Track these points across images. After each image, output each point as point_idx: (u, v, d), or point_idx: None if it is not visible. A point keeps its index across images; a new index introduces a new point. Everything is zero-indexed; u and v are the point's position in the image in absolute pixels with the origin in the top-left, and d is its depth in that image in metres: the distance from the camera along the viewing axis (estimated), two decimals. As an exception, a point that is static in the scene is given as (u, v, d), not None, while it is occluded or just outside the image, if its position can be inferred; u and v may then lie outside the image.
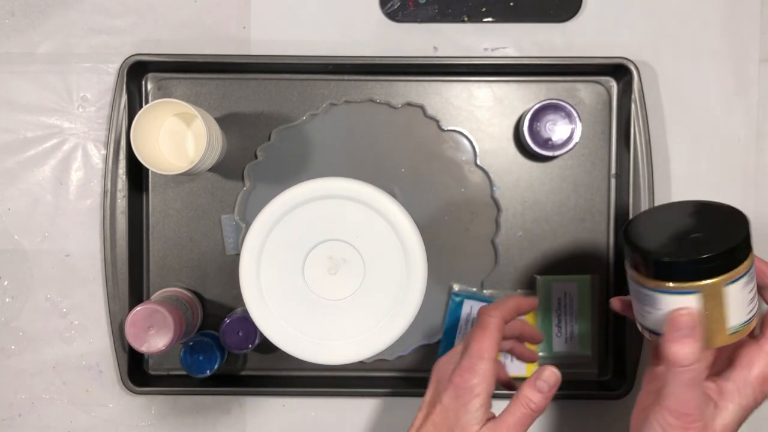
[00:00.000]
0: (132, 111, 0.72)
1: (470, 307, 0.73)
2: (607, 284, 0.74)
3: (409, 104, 0.74)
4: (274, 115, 0.74)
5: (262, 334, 0.67)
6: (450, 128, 0.74)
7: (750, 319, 0.51)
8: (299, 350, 0.60)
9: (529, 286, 0.74)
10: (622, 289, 0.73)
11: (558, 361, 0.74)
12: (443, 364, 0.58)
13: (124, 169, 0.72)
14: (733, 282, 0.49)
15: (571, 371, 0.74)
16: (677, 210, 0.57)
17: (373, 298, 0.60)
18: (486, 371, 0.54)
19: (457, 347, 0.59)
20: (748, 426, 0.53)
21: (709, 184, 0.74)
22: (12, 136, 0.74)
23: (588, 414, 0.75)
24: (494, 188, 0.74)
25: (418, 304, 0.60)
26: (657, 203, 0.72)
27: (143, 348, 0.66)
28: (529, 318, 0.74)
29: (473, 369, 0.54)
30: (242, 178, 0.74)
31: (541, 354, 0.74)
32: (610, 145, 0.74)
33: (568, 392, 0.73)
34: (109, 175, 0.72)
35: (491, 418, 0.55)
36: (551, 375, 0.54)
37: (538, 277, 0.74)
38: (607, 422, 0.76)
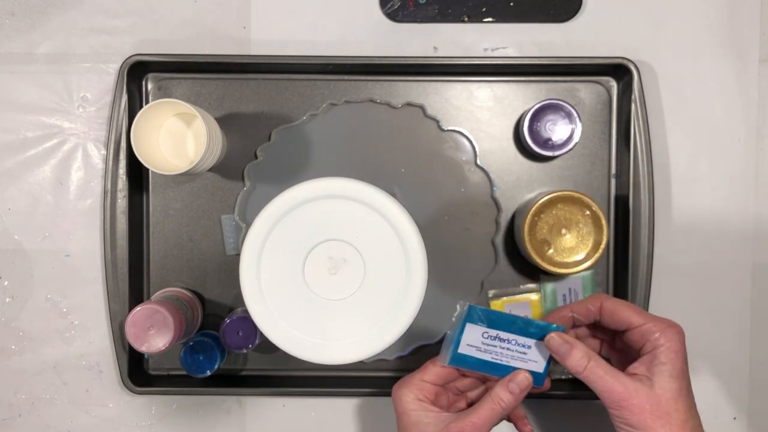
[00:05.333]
0: (132, 111, 0.72)
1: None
2: (607, 284, 0.74)
3: (409, 104, 0.74)
4: (274, 115, 0.74)
5: (262, 334, 0.67)
6: (450, 128, 0.74)
7: None
8: (299, 350, 0.60)
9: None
10: (621, 288, 0.73)
11: None
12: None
13: (124, 169, 0.72)
14: None
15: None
16: None
17: (373, 298, 0.60)
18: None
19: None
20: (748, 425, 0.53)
21: (709, 184, 0.74)
22: (12, 136, 0.74)
23: (588, 414, 0.75)
24: (494, 188, 0.74)
25: (418, 304, 0.60)
26: (657, 203, 0.72)
27: (143, 348, 0.66)
28: (535, 313, 0.73)
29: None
30: (242, 178, 0.74)
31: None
32: (610, 145, 0.74)
33: (569, 392, 0.73)
34: (109, 175, 0.72)
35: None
36: (524, 379, 0.60)
37: (542, 275, 0.74)
38: (607, 422, 0.76)
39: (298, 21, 0.74)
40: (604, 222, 0.67)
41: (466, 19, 0.74)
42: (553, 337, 0.59)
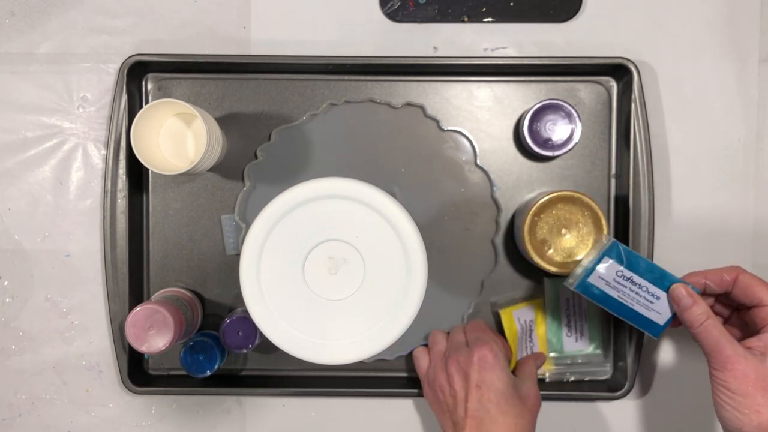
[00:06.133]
0: (132, 111, 0.72)
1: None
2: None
3: (409, 104, 0.74)
4: (274, 115, 0.74)
5: (262, 334, 0.67)
6: (450, 128, 0.74)
7: None
8: (299, 350, 0.60)
9: (528, 286, 0.74)
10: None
11: (569, 361, 0.74)
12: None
13: (124, 169, 0.72)
14: None
15: (583, 370, 0.74)
16: None
17: (373, 298, 0.60)
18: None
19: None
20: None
21: (709, 184, 0.74)
22: (12, 136, 0.74)
23: (588, 414, 0.75)
24: (494, 188, 0.74)
25: (418, 304, 0.60)
26: (657, 203, 0.72)
27: (143, 348, 0.66)
28: (539, 326, 0.73)
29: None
30: (242, 178, 0.74)
31: (552, 355, 0.74)
32: (610, 145, 0.74)
33: (569, 393, 0.73)
34: (109, 175, 0.72)
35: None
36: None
37: (546, 278, 0.74)
38: (607, 422, 0.76)
39: (298, 21, 0.74)
40: (604, 222, 0.67)
41: (466, 19, 0.74)
42: (679, 288, 0.61)
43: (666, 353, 0.75)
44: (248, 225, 0.72)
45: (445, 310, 0.74)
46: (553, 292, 0.73)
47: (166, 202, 0.74)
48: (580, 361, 0.74)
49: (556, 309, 0.73)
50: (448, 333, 0.71)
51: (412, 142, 0.73)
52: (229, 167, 0.74)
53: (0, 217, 0.75)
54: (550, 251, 0.68)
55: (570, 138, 0.71)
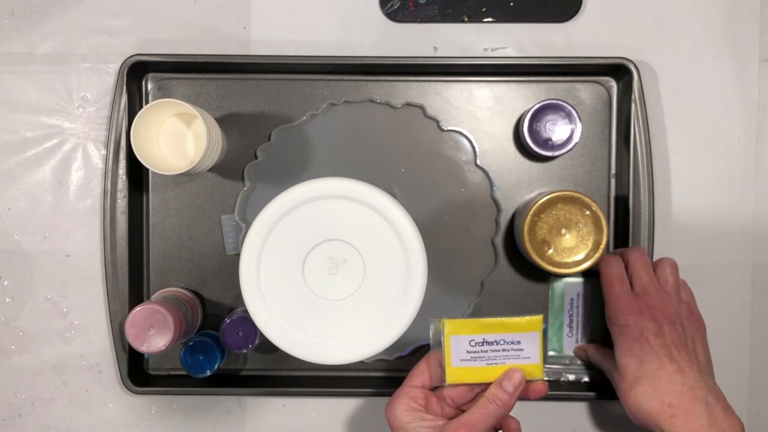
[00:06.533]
0: (132, 111, 0.72)
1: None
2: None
3: (409, 104, 0.74)
4: (274, 115, 0.74)
5: (262, 334, 0.67)
6: (450, 128, 0.74)
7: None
8: (299, 350, 0.60)
9: (528, 287, 0.74)
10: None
11: (569, 361, 0.74)
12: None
13: (124, 169, 0.72)
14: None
15: (585, 372, 0.74)
16: None
17: (373, 299, 0.60)
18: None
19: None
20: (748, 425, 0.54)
21: (709, 184, 0.74)
22: (12, 136, 0.74)
23: (588, 414, 0.75)
24: (494, 188, 0.74)
25: (418, 304, 0.60)
26: (657, 203, 0.72)
27: (143, 348, 0.66)
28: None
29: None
30: (242, 178, 0.74)
31: (552, 353, 0.74)
32: (610, 145, 0.74)
33: (569, 393, 0.73)
34: (109, 175, 0.72)
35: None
36: (517, 376, 0.60)
37: (551, 278, 0.73)
38: (607, 422, 0.76)
39: (298, 21, 0.74)
40: (604, 222, 0.67)
41: (466, 19, 0.74)
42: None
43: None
44: (248, 225, 0.72)
45: (445, 310, 0.73)
46: (558, 292, 0.73)
47: (166, 202, 0.74)
48: (579, 363, 0.74)
49: (560, 309, 0.73)
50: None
51: (411, 143, 0.73)
52: (229, 167, 0.74)
53: (0, 217, 0.75)
54: (550, 251, 0.68)
55: (570, 138, 0.71)
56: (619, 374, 0.64)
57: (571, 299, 0.73)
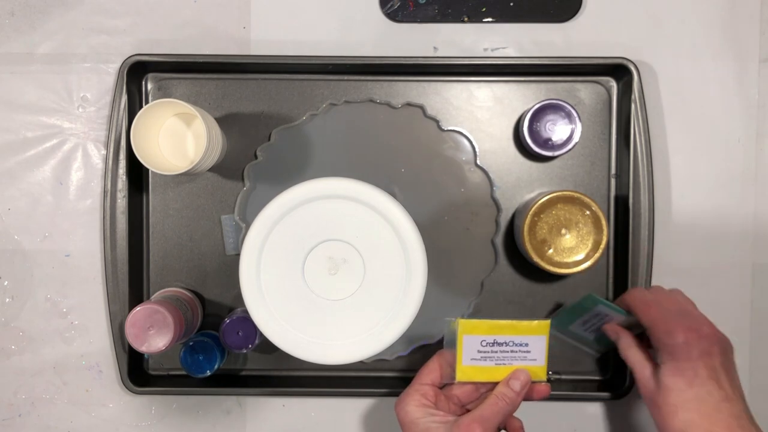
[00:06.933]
0: (132, 111, 0.72)
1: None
2: (607, 284, 0.74)
3: (409, 104, 0.74)
4: (274, 115, 0.74)
5: (262, 334, 0.67)
6: (450, 128, 0.74)
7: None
8: (299, 350, 0.60)
9: (528, 287, 0.74)
10: (621, 288, 0.73)
11: (570, 362, 0.74)
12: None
13: (124, 169, 0.72)
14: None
15: (585, 371, 0.74)
16: None
17: (373, 299, 0.60)
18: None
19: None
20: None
21: (709, 184, 0.74)
22: (12, 136, 0.74)
23: (588, 414, 0.75)
24: (494, 188, 0.74)
25: (418, 304, 0.60)
26: (657, 203, 0.72)
27: (143, 348, 0.66)
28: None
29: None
30: (242, 178, 0.74)
31: (555, 330, 0.73)
32: (610, 145, 0.74)
33: (569, 393, 0.73)
34: (109, 175, 0.72)
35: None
36: (524, 376, 0.62)
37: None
38: (607, 422, 0.76)
39: (298, 21, 0.74)
40: (604, 222, 0.67)
41: (466, 19, 0.74)
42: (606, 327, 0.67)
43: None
44: (248, 225, 0.72)
45: (445, 310, 0.73)
46: (586, 301, 0.69)
47: (166, 202, 0.74)
48: (577, 343, 0.73)
49: (581, 311, 0.70)
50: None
51: (411, 143, 0.73)
52: (229, 167, 0.74)
53: (0, 217, 0.75)
54: (550, 251, 0.68)
55: (570, 138, 0.71)
56: (661, 391, 0.62)
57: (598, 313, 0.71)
